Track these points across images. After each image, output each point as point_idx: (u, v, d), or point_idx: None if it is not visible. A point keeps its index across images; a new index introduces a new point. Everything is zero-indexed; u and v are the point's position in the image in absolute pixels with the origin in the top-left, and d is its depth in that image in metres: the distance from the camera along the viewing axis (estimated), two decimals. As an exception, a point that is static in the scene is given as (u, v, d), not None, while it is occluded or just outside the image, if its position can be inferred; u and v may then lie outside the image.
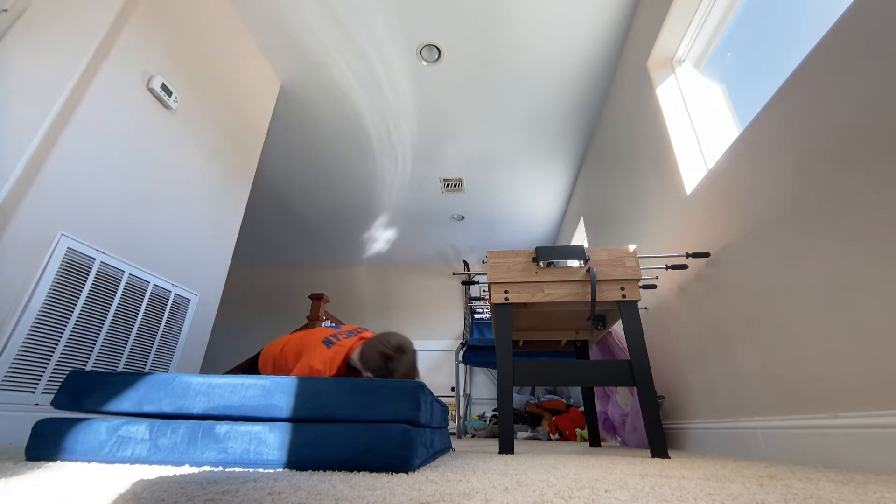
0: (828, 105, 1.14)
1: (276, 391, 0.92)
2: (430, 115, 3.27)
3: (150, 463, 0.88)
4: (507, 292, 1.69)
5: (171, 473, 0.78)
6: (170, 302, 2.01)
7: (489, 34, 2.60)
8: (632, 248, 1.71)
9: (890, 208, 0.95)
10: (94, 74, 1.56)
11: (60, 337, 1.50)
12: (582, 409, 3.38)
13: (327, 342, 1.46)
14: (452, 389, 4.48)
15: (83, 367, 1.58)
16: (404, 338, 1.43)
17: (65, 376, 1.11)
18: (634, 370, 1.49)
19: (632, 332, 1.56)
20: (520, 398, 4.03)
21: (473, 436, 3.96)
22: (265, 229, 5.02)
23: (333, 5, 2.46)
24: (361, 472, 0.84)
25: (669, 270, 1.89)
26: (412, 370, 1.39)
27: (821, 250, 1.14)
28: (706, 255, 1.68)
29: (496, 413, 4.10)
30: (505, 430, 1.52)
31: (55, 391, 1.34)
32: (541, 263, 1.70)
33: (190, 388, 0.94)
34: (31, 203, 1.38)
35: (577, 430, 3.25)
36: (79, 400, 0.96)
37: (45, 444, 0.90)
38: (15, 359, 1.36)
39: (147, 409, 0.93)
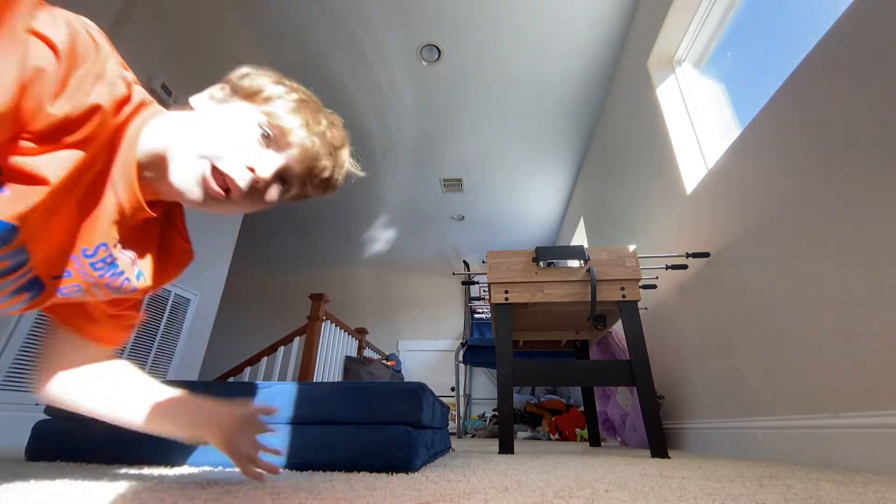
0: (828, 105, 1.14)
1: (277, 396, 0.92)
2: (430, 115, 3.26)
3: (151, 464, 0.88)
4: (507, 292, 1.69)
5: (171, 473, 0.78)
6: (170, 302, 2.01)
7: (489, 34, 2.60)
8: (632, 248, 1.71)
9: (889, 208, 0.95)
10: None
11: (60, 337, 1.50)
12: (582, 409, 3.38)
13: None
14: (452, 389, 4.48)
15: (83, 367, 1.58)
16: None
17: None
18: (634, 370, 1.49)
19: (632, 332, 1.56)
20: (520, 398, 4.03)
21: (473, 436, 3.96)
22: (265, 229, 5.02)
23: (333, 5, 2.46)
24: (362, 473, 0.84)
25: (669, 270, 1.89)
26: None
27: (820, 250, 1.14)
28: (706, 255, 1.68)
29: (496, 413, 4.10)
30: (505, 430, 1.52)
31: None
32: (541, 263, 1.70)
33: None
34: (31, 203, 1.38)
35: (577, 430, 3.25)
36: None
37: (45, 445, 0.90)
38: (15, 359, 1.36)
39: None
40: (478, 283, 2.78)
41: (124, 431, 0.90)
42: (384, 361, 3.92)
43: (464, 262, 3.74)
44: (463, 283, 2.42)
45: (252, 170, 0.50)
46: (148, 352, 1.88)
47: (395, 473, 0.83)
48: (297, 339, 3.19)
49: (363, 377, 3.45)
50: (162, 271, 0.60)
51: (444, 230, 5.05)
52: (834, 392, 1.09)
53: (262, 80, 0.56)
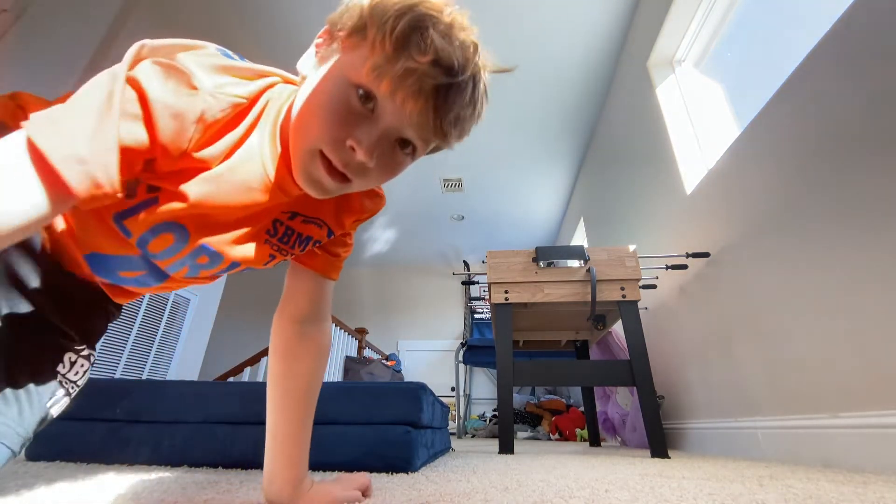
0: (828, 105, 1.14)
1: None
2: (430, 115, 3.26)
3: (150, 464, 0.88)
4: (507, 292, 1.69)
5: (171, 474, 0.78)
6: (169, 302, 2.01)
7: (489, 34, 2.59)
8: (632, 248, 1.71)
9: (890, 208, 0.95)
10: (94, 74, 1.56)
11: (60, 337, 1.50)
12: (582, 409, 3.38)
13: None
14: (452, 389, 4.48)
15: (83, 367, 1.58)
16: None
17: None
18: (634, 370, 1.49)
19: (632, 332, 1.56)
20: (520, 398, 4.03)
21: (473, 436, 3.96)
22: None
23: (332, 4, 2.45)
24: (362, 473, 0.84)
25: (669, 270, 1.89)
26: None
27: (821, 250, 1.14)
28: (706, 255, 1.68)
29: (496, 413, 4.09)
30: (505, 430, 1.52)
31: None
32: (541, 263, 1.70)
33: (185, 397, 0.94)
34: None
35: (577, 430, 3.25)
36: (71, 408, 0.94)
37: (45, 445, 0.90)
38: (15, 359, 1.36)
39: (143, 418, 0.92)
40: (478, 283, 2.78)
41: (124, 431, 0.90)
42: (384, 361, 3.92)
43: (464, 262, 3.74)
44: (463, 283, 2.42)
45: (353, 148, 0.40)
46: (148, 352, 1.88)
47: (395, 473, 0.83)
48: (297, 339, 3.18)
49: (363, 377, 3.45)
50: (345, 215, 0.58)
51: (444, 230, 5.05)
52: (834, 392, 1.09)
53: (355, 9, 0.42)
